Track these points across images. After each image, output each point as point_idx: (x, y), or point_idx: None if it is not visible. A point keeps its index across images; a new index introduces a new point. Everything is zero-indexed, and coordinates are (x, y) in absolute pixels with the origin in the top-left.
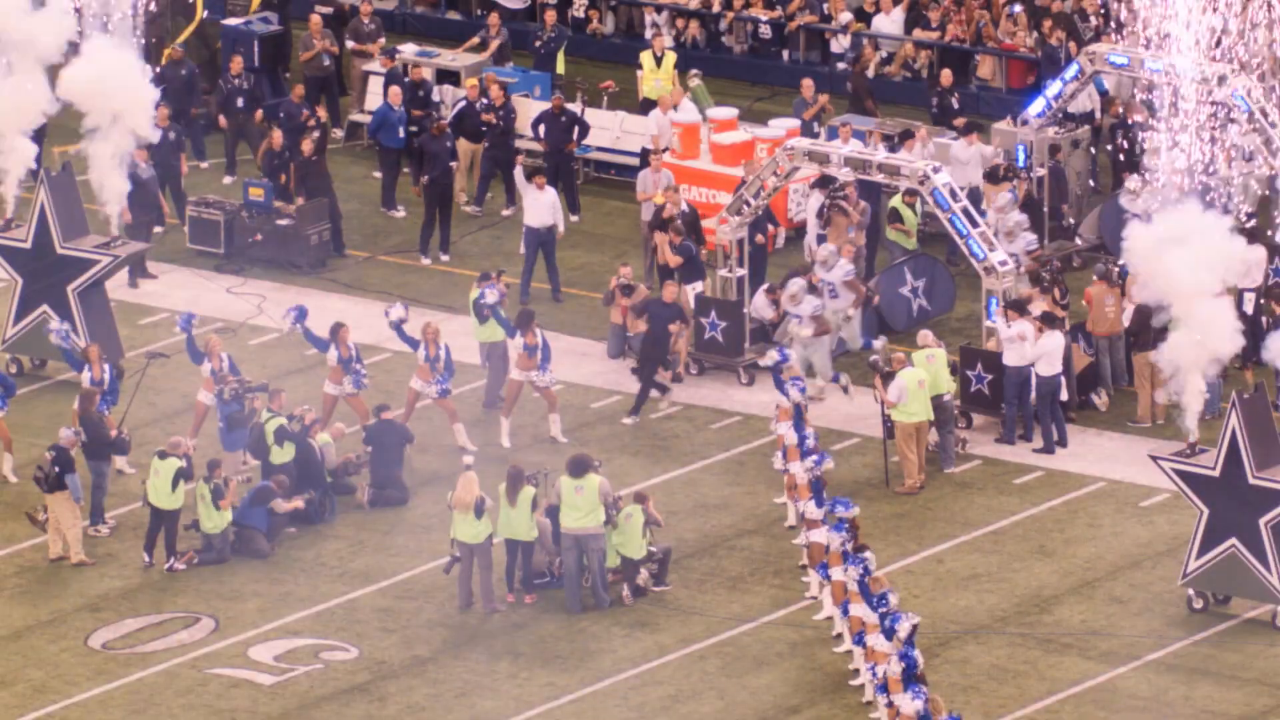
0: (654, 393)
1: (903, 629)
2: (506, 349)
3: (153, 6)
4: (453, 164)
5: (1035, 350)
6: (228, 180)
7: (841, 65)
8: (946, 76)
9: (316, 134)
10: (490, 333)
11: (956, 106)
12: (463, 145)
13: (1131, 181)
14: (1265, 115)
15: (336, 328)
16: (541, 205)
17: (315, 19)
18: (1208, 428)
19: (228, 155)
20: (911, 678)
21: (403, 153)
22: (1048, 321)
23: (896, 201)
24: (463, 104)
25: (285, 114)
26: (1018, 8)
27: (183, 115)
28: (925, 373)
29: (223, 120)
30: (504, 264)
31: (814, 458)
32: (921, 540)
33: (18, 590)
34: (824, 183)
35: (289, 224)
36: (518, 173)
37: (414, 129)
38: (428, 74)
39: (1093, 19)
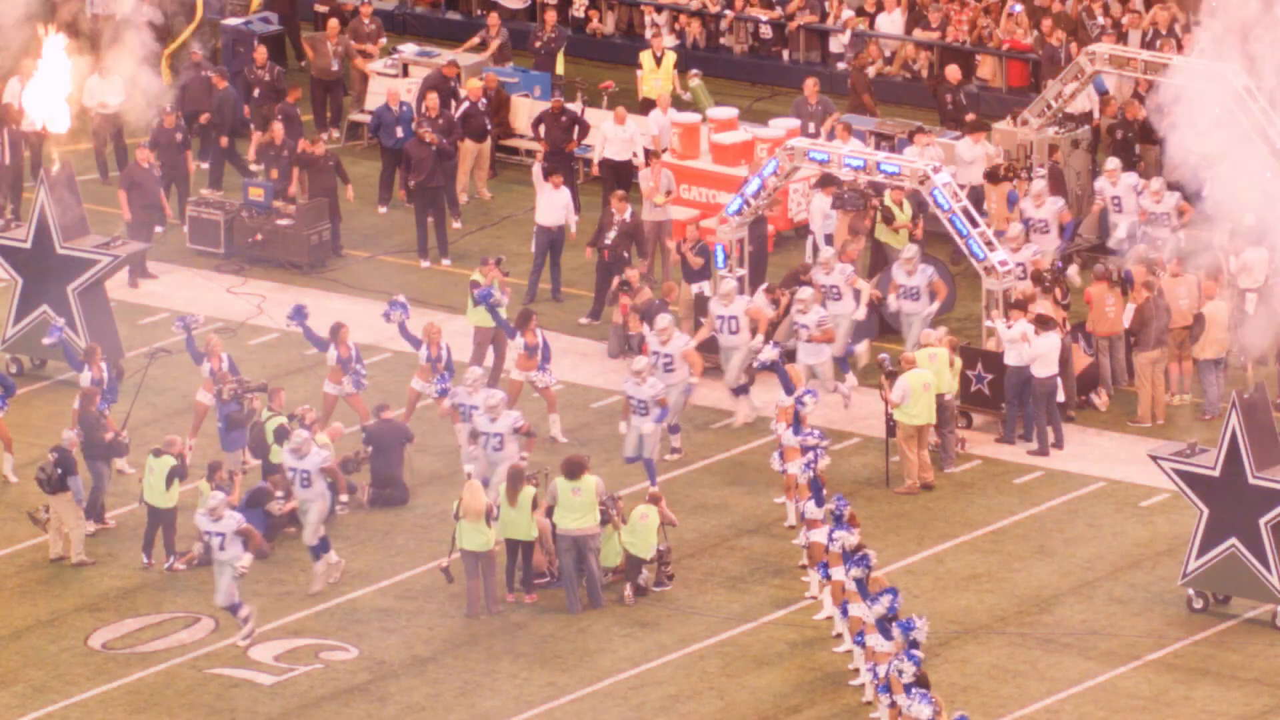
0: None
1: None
2: (492, 336)
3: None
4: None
5: (1030, 351)
6: (255, 168)
7: (841, 65)
8: (954, 73)
9: (323, 136)
10: (481, 317)
11: (966, 103)
12: (466, 145)
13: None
14: None
15: (336, 328)
16: (555, 204)
17: (332, 23)
18: (1208, 428)
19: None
20: (916, 682)
21: (399, 153)
22: (1042, 324)
23: (887, 199)
24: (466, 104)
25: (284, 115)
26: (1018, 7)
27: (199, 116)
28: (932, 375)
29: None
30: (505, 263)
31: (811, 454)
32: (921, 540)
33: (18, 590)
34: (825, 182)
35: (289, 224)
36: (535, 171)
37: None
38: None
39: (1100, 19)
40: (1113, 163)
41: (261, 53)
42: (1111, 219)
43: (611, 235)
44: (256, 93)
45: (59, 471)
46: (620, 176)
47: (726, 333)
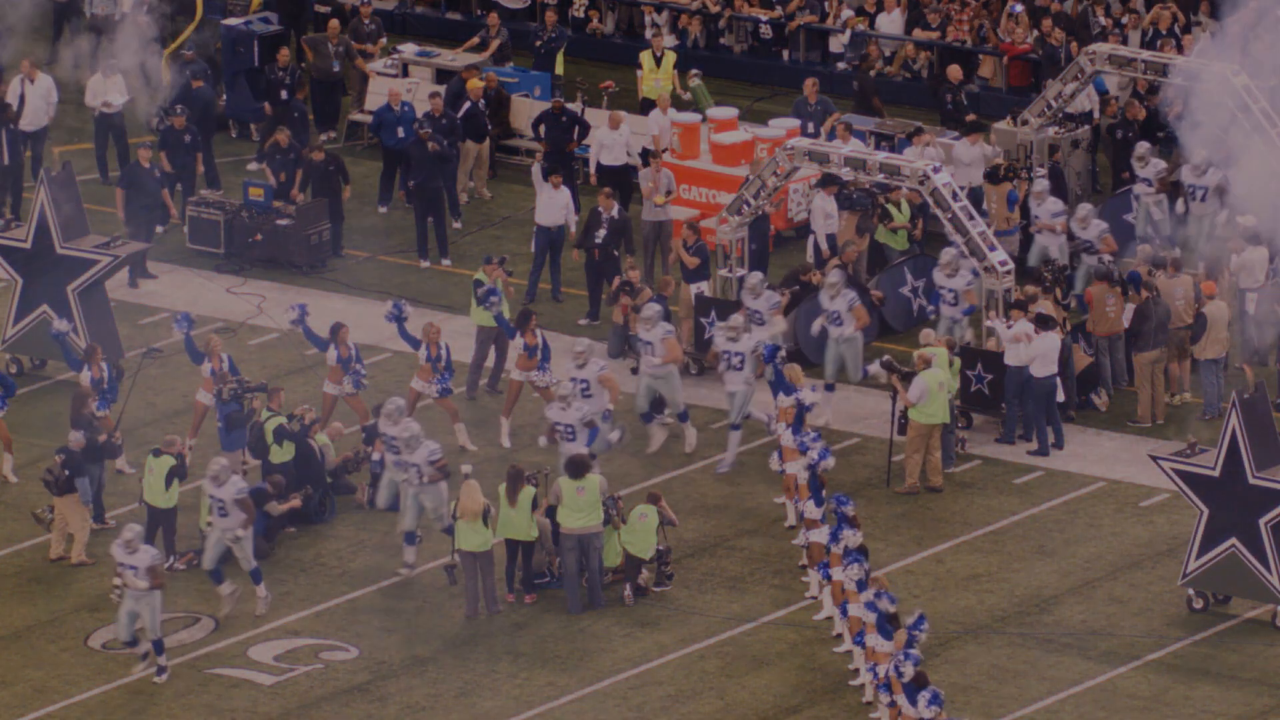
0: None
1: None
2: (494, 336)
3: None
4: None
5: (1029, 351)
6: (252, 167)
7: (841, 65)
8: (955, 72)
9: (322, 138)
10: (484, 316)
11: (966, 103)
12: (467, 145)
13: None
14: None
15: (336, 328)
16: (555, 204)
17: (333, 23)
18: (1208, 427)
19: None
20: (919, 682)
21: (399, 153)
22: (1041, 323)
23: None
24: (466, 105)
25: (296, 113)
26: (1019, 7)
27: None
28: (945, 375)
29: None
30: (506, 263)
31: (817, 451)
32: (921, 540)
33: (18, 590)
34: (827, 182)
35: (289, 224)
36: (535, 171)
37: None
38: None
39: (1101, 19)
40: (1040, 185)
41: (285, 54)
42: (1038, 240)
43: (601, 234)
44: (284, 94)
45: (66, 473)
46: (618, 182)
47: (647, 355)
